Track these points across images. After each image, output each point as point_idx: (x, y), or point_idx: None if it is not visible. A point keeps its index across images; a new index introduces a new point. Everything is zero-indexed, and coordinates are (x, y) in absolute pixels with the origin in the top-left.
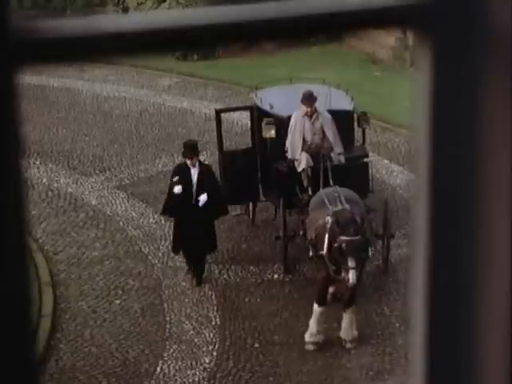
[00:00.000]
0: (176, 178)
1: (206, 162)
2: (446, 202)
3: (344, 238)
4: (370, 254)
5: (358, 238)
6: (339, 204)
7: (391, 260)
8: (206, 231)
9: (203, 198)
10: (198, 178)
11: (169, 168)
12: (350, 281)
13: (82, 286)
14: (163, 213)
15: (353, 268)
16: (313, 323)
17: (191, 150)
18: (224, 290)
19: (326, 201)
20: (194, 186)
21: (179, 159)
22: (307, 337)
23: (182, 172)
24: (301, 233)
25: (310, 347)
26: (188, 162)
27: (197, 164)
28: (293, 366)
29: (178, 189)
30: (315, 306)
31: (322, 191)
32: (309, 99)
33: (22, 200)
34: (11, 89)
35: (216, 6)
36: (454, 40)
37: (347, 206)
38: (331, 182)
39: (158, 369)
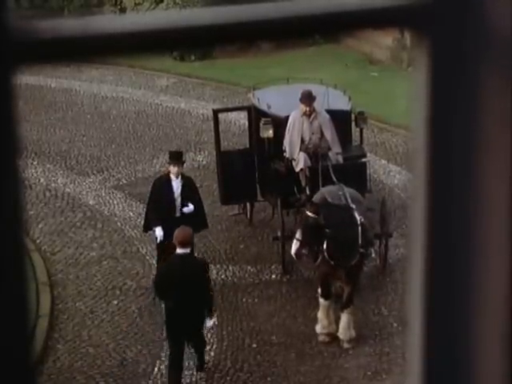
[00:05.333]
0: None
1: (204, 162)
2: (443, 202)
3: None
4: (374, 254)
5: (314, 216)
6: (344, 201)
7: (389, 260)
8: None
9: (190, 207)
10: (181, 191)
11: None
12: (292, 251)
13: (80, 286)
14: (146, 229)
15: (297, 240)
16: (322, 316)
17: (177, 158)
18: (222, 290)
19: (329, 198)
20: (178, 199)
21: None
22: (319, 329)
23: (162, 186)
24: None
25: (325, 338)
26: (171, 169)
27: (179, 175)
28: (291, 366)
29: (160, 235)
30: (321, 300)
31: (324, 188)
32: (308, 98)
33: (20, 200)
34: (9, 89)
35: (213, 7)
36: (451, 40)
37: (353, 206)
38: (335, 181)
39: (156, 369)
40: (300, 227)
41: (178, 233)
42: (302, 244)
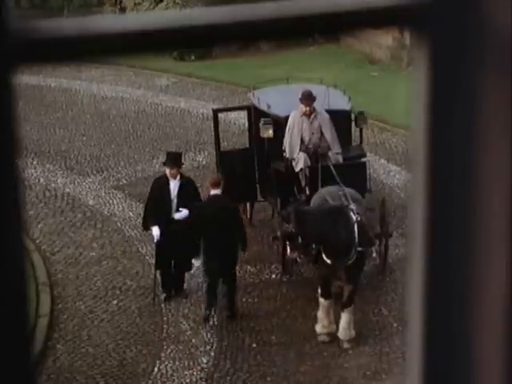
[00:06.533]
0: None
1: (204, 162)
2: (443, 202)
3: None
4: (374, 253)
5: (286, 225)
6: (344, 201)
7: (389, 260)
8: (185, 247)
9: (182, 213)
10: (178, 192)
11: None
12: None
13: (80, 286)
14: (145, 228)
15: (287, 245)
16: (322, 316)
17: (174, 160)
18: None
19: (329, 198)
20: (174, 201)
21: None
22: (319, 329)
23: (160, 187)
24: None
25: (325, 338)
26: (167, 171)
27: (178, 176)
28: (290, 366)
29: (156, 235)
30: (321, 299)
31: (324, 189)
32: (308, 98)
33: (19, 200)
34: (9, 89)
35: (213, 7)
36: (451, 40)
37: (353, 205)
38: (338, 180)
39: (156, 369)
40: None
41: (210, 178)
42: (292, 249)
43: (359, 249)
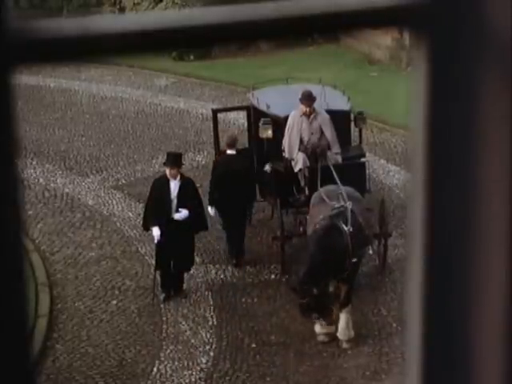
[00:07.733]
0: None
1: (203, 162)
2: (442, 202)
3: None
4: (372, 252)
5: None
6: (341, 200)
7: (388, 260)
8: (185, 247)
9: (182, 214)
10: (178, 193)
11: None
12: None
13: (79, 286)
14: (145, 228)
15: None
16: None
17: (174, 161)
18: (221, 290)
19: (326, 197)
20: (174, 201)
21: None
22: (318, 329)
23: (160, 187)
24: (301, 229)
25: (324, 338)
26: (167, 171)
27: (178, 177)
28: (290, 366)
29: (157, 235)
30: None
31: (323, 188)
32: (308, 99)
33: (19, 200)
34: (8, 89)
35: (213, 7)
36: (450, 40)
37: (349, 203)
38: (337, 181)
39: (155, 369)
40: (307, 311)
41: (226, 138)
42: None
43: (354, 260)
